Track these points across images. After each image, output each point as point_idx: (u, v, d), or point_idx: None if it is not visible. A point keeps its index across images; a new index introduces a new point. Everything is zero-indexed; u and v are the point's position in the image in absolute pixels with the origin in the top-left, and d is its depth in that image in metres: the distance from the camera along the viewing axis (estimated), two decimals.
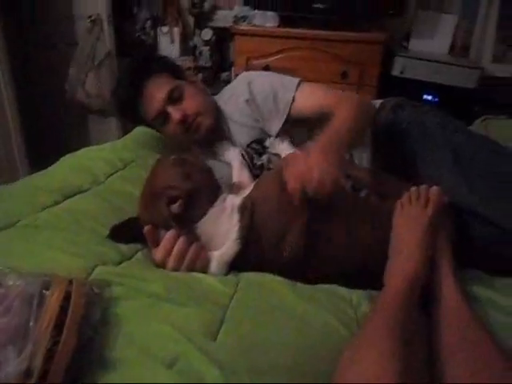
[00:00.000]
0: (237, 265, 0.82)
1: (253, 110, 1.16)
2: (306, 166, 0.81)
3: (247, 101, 1.15)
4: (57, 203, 0.93)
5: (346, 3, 2.20)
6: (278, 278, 0.79)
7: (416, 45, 2.44)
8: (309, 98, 1.12)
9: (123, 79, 1.19)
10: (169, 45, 2.60)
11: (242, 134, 1.19)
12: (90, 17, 2.39)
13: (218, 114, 1.21)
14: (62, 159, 1.13)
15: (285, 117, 1.13)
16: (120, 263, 0.77)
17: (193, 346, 0.56)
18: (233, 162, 1.13)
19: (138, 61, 1.22)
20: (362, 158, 1.18)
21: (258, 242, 0.82)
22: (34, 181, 1.01)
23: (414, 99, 1.25)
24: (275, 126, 1.14)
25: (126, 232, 0.84)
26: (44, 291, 0.56)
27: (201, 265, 0.79)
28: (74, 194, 0.97)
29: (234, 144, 1.21)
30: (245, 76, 1.23)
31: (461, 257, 0.84)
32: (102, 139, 2.12)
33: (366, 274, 0.83)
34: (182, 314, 0.63)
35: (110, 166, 1.13)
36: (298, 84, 1.14)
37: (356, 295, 0.78)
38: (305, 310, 0.70)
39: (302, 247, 0.82)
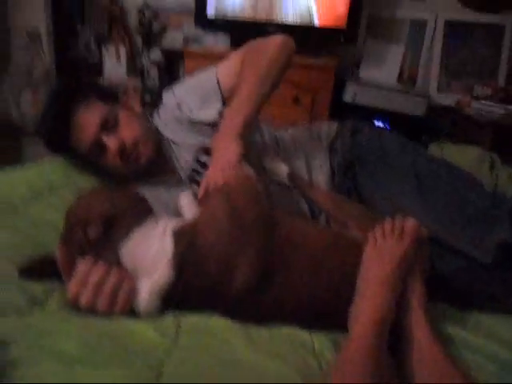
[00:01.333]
0: (176, 302, 0.68)
1: (185, 112, 1.09)
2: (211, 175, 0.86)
3: (178, 104, 1.09)
4: None
5: (298, 29, 2.19)
6: (228, 323, 0.66)
7: (366, 72, 2.47)
8: (230, 70, 1.08)
9: (48, 112, 1.03)
10: (114, 64, 2.46)
11: (186, 152, 1.10)
12: (27, 30, 2.22)
13: (158, 140, 1.11)
14: None
15: (220, 96, 1.08)
16: (28, 310, 0.61)
17: None
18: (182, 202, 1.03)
19: (62, 89, 1.09)
20: (319, 181, 1.10)
21: (200, 272, 0.69)
22: None
23: None
24: (214, 109, 1.07)
25: (40, 269, 0.69)
26: None
27: (125, 296, 0.64)
28: None
29: (180, 169, 1.11)
30: (167, 90, 1.17)
31: (430, 291, 0.76)
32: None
33: (330, 313, 0.73)
34: (100, 381, 0.49)
35: (31, 191, 0.97)
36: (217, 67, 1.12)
37: (318, 341, 0.67)
38: (259, 363, 0.58)
39: (257, 277, 0.70)
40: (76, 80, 1.16)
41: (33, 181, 1.02)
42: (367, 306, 0.68)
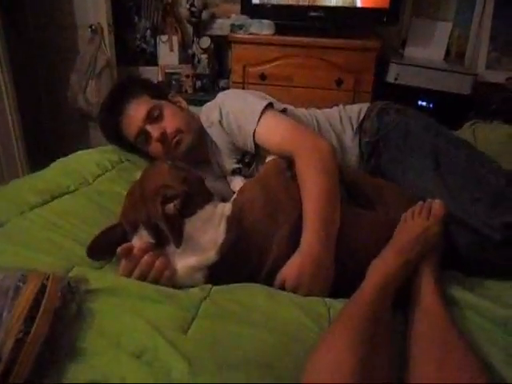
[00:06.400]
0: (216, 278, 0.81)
1: (227, 133, 1.16)
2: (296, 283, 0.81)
3: (220, 121, 1.15)
4: (45, 203, 0.96)
5: (340, 12, 2.24)
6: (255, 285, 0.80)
7: (411, 52, 2.46)
8: (269, 134, 1.08)
9: (105, 105, 1.20)
10: (168, 53, 2.65)
11: (225, 158, 1.21)
12: (91, 26, 2.45)
13: (200, 133, 1.21)
14: (53, 163, 1.16)
15: (253, 148, 1.11)
16: (101, 267, 0.81)
17: (162, 338, 0.58)
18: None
19: (117, 86, 1.25)
20: (351, 161, 1.19)
21: (243, 253, 0.82)
22: (24, 183, 1.04)
23: (408, 105, 1.25)
24: (249, 149, 1.13)
25: (104, 247, 0.82)
26: (20, 284, 0.58)
27: (165, 281, 0.78)
28: (62, 195, 1.00)
29: (217, 165, 1.23)
30: (218, 98, 1.21)
31: (444, 262, 0.86)
32: (102, 145, 2.16)
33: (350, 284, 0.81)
34: (155, 310, 0.65)
35: (99, 168, 1.16)
36: (260, 116, 1.08)
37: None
38: (276, 309, 0.72)
39: (291, 244, 0.83)
40: (131, 78, 1.31)
41: (98, 159, 1.20)
42: (376, 268, 0.80)
